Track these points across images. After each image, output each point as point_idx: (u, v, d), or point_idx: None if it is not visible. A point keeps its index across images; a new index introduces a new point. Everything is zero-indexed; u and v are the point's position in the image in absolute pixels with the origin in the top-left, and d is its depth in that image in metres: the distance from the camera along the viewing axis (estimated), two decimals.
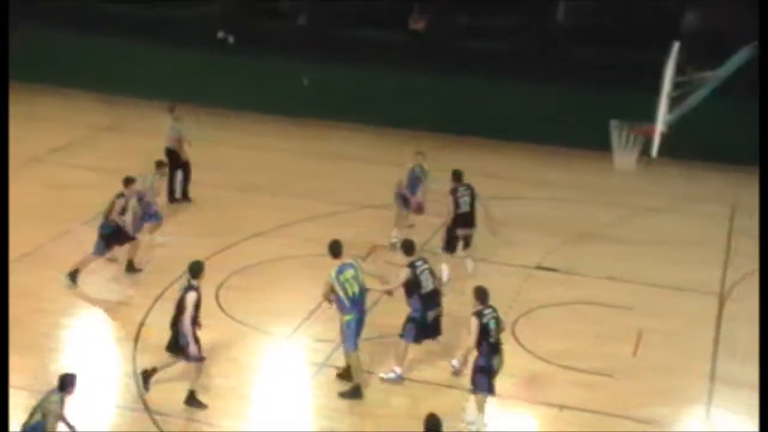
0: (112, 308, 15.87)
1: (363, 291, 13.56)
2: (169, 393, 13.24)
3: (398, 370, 13.98)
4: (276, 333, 15.23)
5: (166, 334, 13.74)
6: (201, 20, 27.58)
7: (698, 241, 19.21)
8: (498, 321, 12.80)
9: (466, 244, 17.15)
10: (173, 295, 15.89)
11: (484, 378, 12.60)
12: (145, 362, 13.91)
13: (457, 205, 16.88)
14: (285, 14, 27.40)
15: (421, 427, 10.58)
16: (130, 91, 26.73)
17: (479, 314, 12.66)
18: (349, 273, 13.49)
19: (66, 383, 11.27)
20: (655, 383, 14.00)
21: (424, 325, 13.82)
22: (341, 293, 13.40)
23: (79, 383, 13.31)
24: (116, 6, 27.35)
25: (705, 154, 23.04)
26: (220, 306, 15.82)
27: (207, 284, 16.21)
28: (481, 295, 12.83)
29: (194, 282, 13.03)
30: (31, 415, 11.14)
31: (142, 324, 15.09)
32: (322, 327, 15.17)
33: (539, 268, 17.57)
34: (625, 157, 20.44)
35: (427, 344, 14.32)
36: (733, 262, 18.26)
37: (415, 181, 18.31)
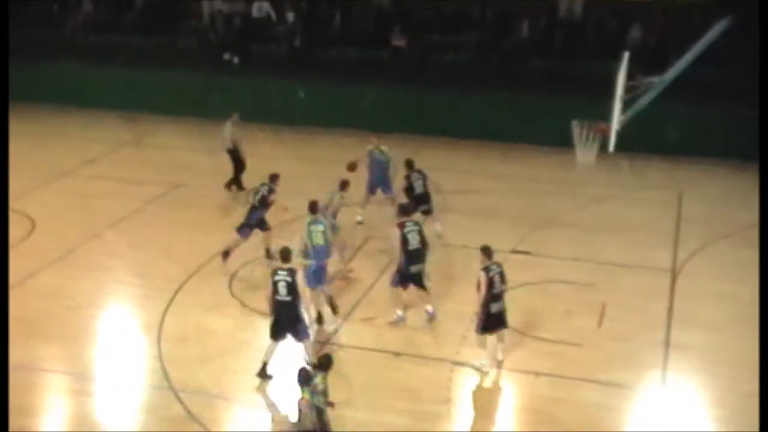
0: (136, 301, 15.74)
1: (326, 245, 14.63)
2: (193, 372, 13.20)
3: (400, 312, 14.74)
4: None
5: (185, 322, 13.73)
6: (207, 46, 27.63)
7: (650, 225, 19.17)
8: (503, 275, 13.34)
9: (426, 213, 17.62)
10: (191, 286, 15.95)
11: (481, 321, 13.27)
12: (168, 347, 13.87)
13: (412, 188, 17.55)
14: (281, 38, 27.36)
15: (401, 397, 10.58)
16: (148, 108, 26.72)
17: (487, 269, 13.26)
18: (320, 227, 14.68)
19: (327, 362, 10.97)
20: (616, 351, 13.97)
21: (408, 275, 14.57)
22: (308, 241, 14.52)
23: (112, 366, 13.43)
24: (135, 37, 27.61)
25: (654, 148, 23.03)
26: (233, 294, 15.73)
27: (222, 276, 16.28)
28: (487, 252, 13.36)
29: (285, 266, 12.92)
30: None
31: (164, 313, 14.98)
32: (323, 310, 15.10)
33: (514, 252, 17.50)
34: (585, 153, 20.47)
35: (421, 327, 14.32)
36: (682, 242, 18.22)
37: (375, 163, 18.53)
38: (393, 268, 14.85)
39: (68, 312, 15.04)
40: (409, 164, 17.81)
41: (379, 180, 18.66)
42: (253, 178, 20.08)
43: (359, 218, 18.69)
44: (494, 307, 13.18)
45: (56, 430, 12.04)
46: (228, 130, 20.74)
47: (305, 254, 14.46)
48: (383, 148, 18.64)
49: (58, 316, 14.88)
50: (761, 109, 14.35)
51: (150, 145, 21.31)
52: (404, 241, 14.51)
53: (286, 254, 13.00)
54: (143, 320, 14.99)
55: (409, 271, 14.58)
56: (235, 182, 20.96)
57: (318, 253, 14.57)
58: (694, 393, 13.05)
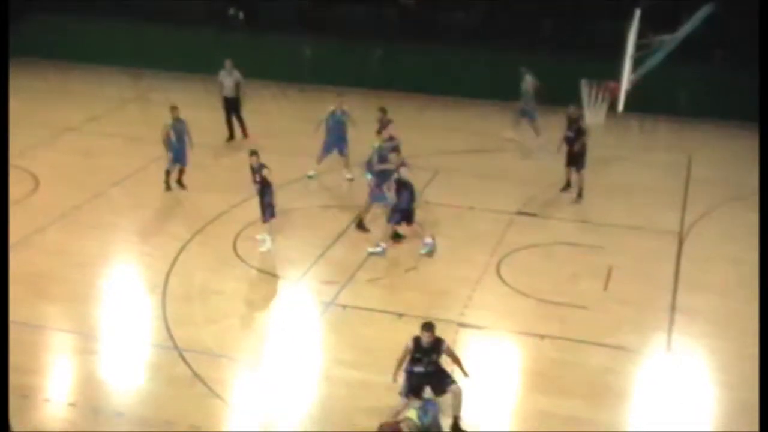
0: (141, 260, 15.73)
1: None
2: (197, 332, 13.21)
3: (383, 245, 15.58)
4: (287, 277, 15.15)
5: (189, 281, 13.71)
6: (213, 1, 27.38)
7: (658, 187, 19.07)
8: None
9: None
10: (195, 246, 15.94)
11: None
12: (172, 307, 13.89)
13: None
14: None
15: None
16: (152, 65, 26.61)
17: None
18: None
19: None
20: (622, 314, 13.94)
21: (407, 213, 15.44)
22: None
23: (117, 325, 13.47)
24: None
25: (663, 109, 22.84)
26: (237, 254, 15.72)
27: (225, 235, 16.28)
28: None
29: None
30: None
31: (169, 273, 14.98)
32: (328, 270, 15.13)
33: (520, 213, 17.44)
34: (594, 113, 20.36)
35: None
36: (690, 205, 18.13)
37: (336, 124, 18.70)
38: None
39: (73, 270, 15.05)
40: (384, 110, 18.14)
41: (338, 140, 18.82)
42: (257, 134, 20.08)
43: (311, 173, 19.05)
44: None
45: (61, 388, 12.07)
46: (228, 78, 20.97)
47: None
48: (345, 108, 18.78)
49: (63, 274, 14.89)
50: (761, 106, 14.11)
51: (155, 102, 21.18)
52: (406, 183, 15.32)
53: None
54: (148, 279, 14.99)
55: (410, 208, 15.39)
56: (233, 129, 21.30)
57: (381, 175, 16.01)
58: (700, 357, 13.02)
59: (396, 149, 16.22)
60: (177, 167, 18.37)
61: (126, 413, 11.47)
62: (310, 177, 18.97)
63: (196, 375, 12.16)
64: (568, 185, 18.32)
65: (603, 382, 12.27)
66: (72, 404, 11.61)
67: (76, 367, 12.57)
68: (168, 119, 18.18)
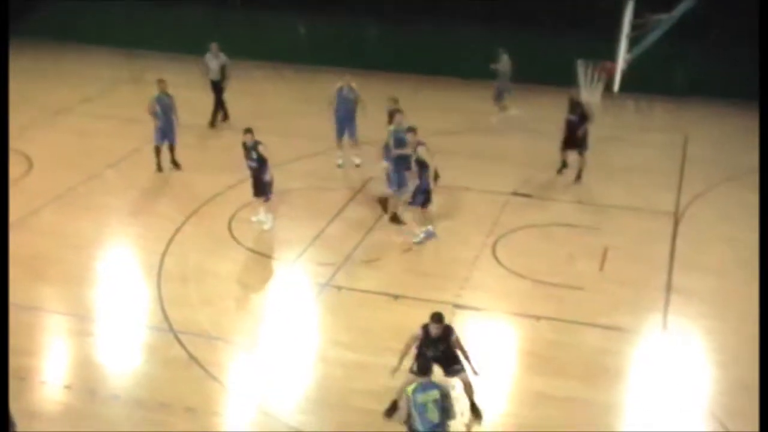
0: (136, 241, 15.68)
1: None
2: (193, 314, 13.18)
3: (430, 228, 15.43)
4: (282, 258, 15.11)
5: (184, 263, 13.64)
6: None
7: (654, 167, 19.03)
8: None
9: None
10: (189, 227, 15.89)
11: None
12: (167, 288, 13.85)
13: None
14: None
15: (402, 340, 10.59)
16: (146, 45, 26.47)
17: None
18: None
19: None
20: (618, 295, 13.93)
21: (429, 194, 15.16)
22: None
23: (112, 307, 13.43)
24: None
25: (659, 88, 22.76)
26: (232, 235, 15.66)
27: (220, 217, 16.22)
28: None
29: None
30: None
31: (164, 254, 14.93)
32: (323, 252, 15.08)
33: (516, 194, 17.40)
34: (590, 93, 20.29)
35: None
36: (686, 185, 18.09)
37: (343, 101, 18.30)
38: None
39: (68, 251, 14.99)
40: (395, 101, 17.57)
41: (346, 120, 18.51)
42: (251, 115, 19.96)
43: (339, 161, 18.68)
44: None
45: (57, 370, 12.05)
46: (213, 61, 20.78)
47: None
48: (353, 84, 18.45)
49: (58, 256, 14.84)
50: (761, 106, 14.03)
51: (149, 82, 21.00)
52: (424, 164, 15.02)
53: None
54: (143, 261, 14.95)
55: (430, 191, 15.16)
56: (216, 114, 21.11)
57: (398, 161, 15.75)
58: (695, 337, 13.02)
59: (412, 129, 15.68)
60: (165, 144, 18.24)
61: (122, 395, 11.45)
62: (339, 166, 18.62)
63: (192, 357, 12.13)
64: (564, 166, 18.23)
65: (599, 362, 12.27)
66: (68, 387, 11.59)
67: (72, 349, 12.54)
68: (155, 92, 18.10)
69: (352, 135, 18.65)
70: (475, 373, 10.87)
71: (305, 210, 16.64)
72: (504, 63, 21.44)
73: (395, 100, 17.74)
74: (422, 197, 15.22)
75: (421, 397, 9.33)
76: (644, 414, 11.35)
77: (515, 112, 21.56)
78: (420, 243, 15.35)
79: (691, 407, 11.45)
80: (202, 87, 21.25)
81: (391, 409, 10.86)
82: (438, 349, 10.55)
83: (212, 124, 21.10)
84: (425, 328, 10.52)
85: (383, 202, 16.35)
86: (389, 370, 10.63)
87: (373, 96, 18.67)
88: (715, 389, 11.86)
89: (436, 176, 15.52)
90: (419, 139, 15.23)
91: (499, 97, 21.82)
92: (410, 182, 15.65)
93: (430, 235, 15.49)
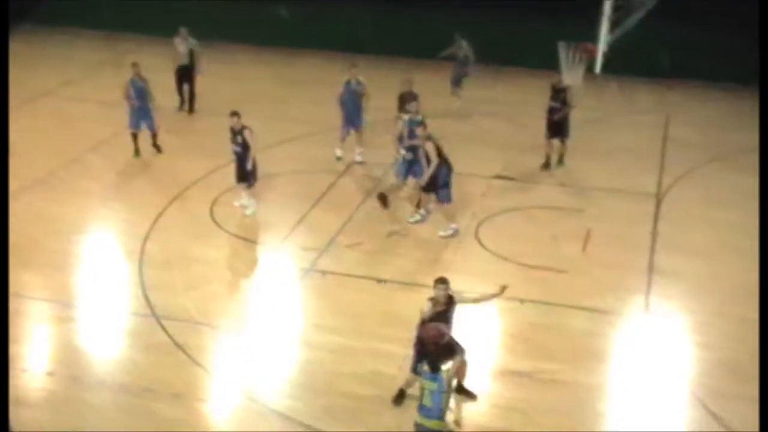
0: (118, 226, 15.57)
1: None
2: (177, 299, 13.10)
3: (454, 225, 15.14)
4: (266, 243, 15.05)
5: (167, 248, 13.52)
6: None
7: (637, 149, 19.05)
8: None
9: None
10: (172, 212, 15.79)
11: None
12: (150, 274, 13.77)
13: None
14: None
15: (387, 324, 10.56)
16: (128, 28, 26.20)
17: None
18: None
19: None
20: (601, 276, 13.96)
21: (450, 186, 15.05)
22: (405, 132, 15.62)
23: (95, 293, 13.34)
24: None
25: (641, 70, 22.76)
26: (214, 220, 15.58)
27: (203, 201, 16.13)
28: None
29: None
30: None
31: (146, 239, 14.83)
32: (307, 237, 15.03)
33: (499, 177, 17.38)
34: (572, 75, 20.20)
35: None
36: (668, 167, 18.13)
37: (351, 94, 17.77)
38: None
39: (50, 237, 14.87)
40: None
41: (353, 114, 17.94)
42: (233, 99, 19.83)
43: (339, 153, 18.14)
44: None
45: (39, 357, 11.96)
46: (182, 46, 20.44)
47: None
48: (360, 78, 17.92)
49: (40, 241, 14.71)
50: (761, 106, 13.99)
51: (130, 66, 20.83)
52: (439, 150, 14.85)
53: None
54: (126, 246, 14.84)
55: (450, 182, 15.02)
56: (192, 101, 20.82)
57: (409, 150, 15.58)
58: (678, 318, 13.08)
59: (422, 123, 15.48)
60: (143, 130, 18.06)
61: (106, 381, 11.39)
62: (338, 158, 18.08)
63: (175, 343, 12.07)
64: (547, 164, 17.97)
65: (583, 344, 12.31)
66: (50, 373, 11.50)
67: (54, 335, 12.45)
68: (129, 75, 17.94)
69: (359, 128, 18.07)
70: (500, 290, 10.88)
71: (288, 195, 16.57)
72: (464, 49, 21.00)
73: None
74: (446, 192, 15.05)
75: (426, 383, 9.51)
76: (627, 395, 11.41)
77: (458, 105, 21.21)
78: (447, 237, 15.12)
79: (673, 388, 11.51)
80: (171, 71, 20.88)
81: (399, 397, 10.89)
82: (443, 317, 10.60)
83: (191, 110, 20.85)
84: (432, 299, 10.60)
85: (383, 199, 15.95)
86: None
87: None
88: (697, 370, 11.92)
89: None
90: (429, 134, 15.08)
91: (455, 83, 21.33)
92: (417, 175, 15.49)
93: (423, 218, 15.54)
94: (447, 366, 9.64)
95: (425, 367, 9.55)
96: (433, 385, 9.45)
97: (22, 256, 14.13)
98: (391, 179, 16.45)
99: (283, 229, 15.23)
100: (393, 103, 17.68)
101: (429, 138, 14.98)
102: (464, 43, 21.10)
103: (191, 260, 14.25)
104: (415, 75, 18.63)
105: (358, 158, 18.05)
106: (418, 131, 15.16)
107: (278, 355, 12.06)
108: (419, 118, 15.69)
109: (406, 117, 15.99)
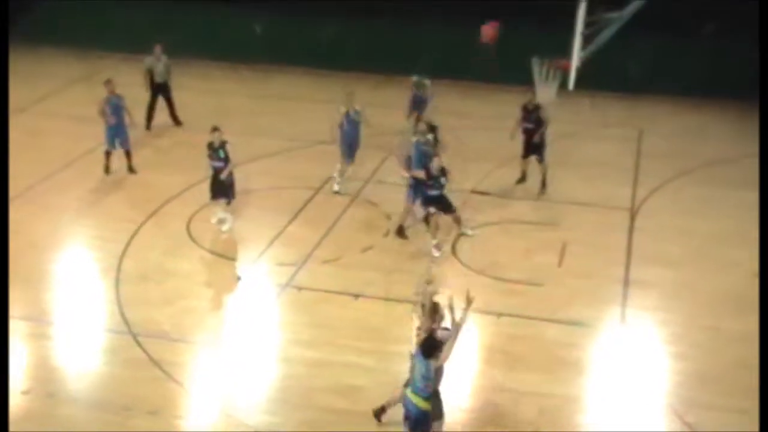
0: (94, 243, 15.47)
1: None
2: (153, 315, 13.06)
3: (471, 230, 15.73)
4: (243, 259, 15.01)
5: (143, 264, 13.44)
6: None
7: (610, 162, 19.20)
8: None
9: None
10: (148, 229, 15.72)
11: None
12: (126, 290, 13.69)
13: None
14: None
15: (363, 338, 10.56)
16: (97, 44, 26.11)
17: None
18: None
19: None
20: (577, 289, 14.04)
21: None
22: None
23: (70, 310, 13.24)
24: None
25: (614, 85, 22.96)
26: (191, 237, 15.53)
27: (179, 217, 16.07)
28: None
29: None
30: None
31: (122, 255, 14.76)
32: (283, 252, 15.01)
33: (474, 192, 17.45)
34: (546, 90, 20.41)
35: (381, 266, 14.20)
36: (641, 180, 18.30)
37: (352, 126, 17.22)
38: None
39: (24, 253, 14.70)
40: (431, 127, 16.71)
41: (356, 144, 17.45)
42: (208, 114, 19.80)
43: (336, 185, 17.50)
44: None
45: (14, 373, 11.83)
46: (159, 63, 20.40)
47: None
48: (358, 107, 17.39)
49: (14, 258, 14.47)
50: (761, 105, 14.18)
51: (102, 82, 20.77)
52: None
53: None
54: (101, 262, 14.74)
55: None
56: (174, 113, 20.85)
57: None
58: (653, 329, 13.17)
59: (430, 144, 15.54)
60: (117, 150, 17.95)
61: (82, 398, 11.32)
62: (336, 192, 17.30)
63: (152, 359, 12.01)
64: (523, 178, 17.95)
65: (559, 356, 12.36)
66: (26, 392, 11.39)
67: (30, 353, 12.33)
68: (104, 94, 17.86)
69: (353, 159, 17.51)
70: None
71: (265, 210, 16.54)
72: (428, 88, 19.79)
73: (352, 94, 17.21)
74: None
75: (416, 360, 9.75)
76: (604, 406, 11.47)
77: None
78: (469, 235, 15.61)
79: (648, 399, 11.58)
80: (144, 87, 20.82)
81: (380, 412, 10.87)
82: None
83: (176, 121, 20.88)
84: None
85: (401, 232, 15.65)
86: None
87: (330, 96, 18.51)
88: (672, 381, 12.00)
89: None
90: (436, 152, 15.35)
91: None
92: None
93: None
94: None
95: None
96: (422, 369, 9.60)
97: None
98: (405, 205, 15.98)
99: (259, 245, 15.21)
100: None
101: (436, 155, 15.16)
102: (427, 82, 19.96)
103: (168, 277, 14.19)
104: (386, 90, 18.62)
105: (336, 188, 17.44)
106: (435, 161, 14.98)
107: (255, 371, 12.03)
108: (427, 139, 15.86)
109: (413, 139, 15.96)
